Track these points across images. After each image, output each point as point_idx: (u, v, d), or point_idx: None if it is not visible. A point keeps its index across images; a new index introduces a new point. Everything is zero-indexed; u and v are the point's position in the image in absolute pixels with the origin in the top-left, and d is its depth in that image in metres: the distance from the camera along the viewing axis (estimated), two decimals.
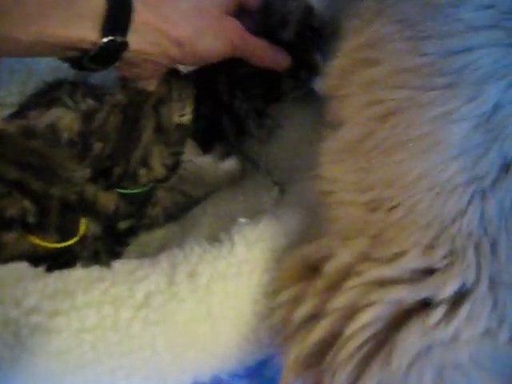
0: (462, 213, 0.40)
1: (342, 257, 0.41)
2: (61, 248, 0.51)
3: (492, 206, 0.40)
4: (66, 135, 0.49)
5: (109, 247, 0.56)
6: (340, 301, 0.40)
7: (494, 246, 0.39)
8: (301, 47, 0.60)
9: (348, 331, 0.39)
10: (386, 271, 0.40)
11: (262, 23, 0.60)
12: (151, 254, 0.50)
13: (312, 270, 0.43)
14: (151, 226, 0.59)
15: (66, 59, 0.52)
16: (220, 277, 0.45)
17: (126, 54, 0.50)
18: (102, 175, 0.52)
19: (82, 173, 0.51)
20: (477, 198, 0.40)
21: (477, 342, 0.39)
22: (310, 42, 0.59)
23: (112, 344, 0.43)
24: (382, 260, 0.41)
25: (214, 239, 0.49)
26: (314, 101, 0.57)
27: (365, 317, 0.39)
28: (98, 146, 0.51)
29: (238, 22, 0.56)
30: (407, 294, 0.39)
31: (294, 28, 0.58)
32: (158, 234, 0.59)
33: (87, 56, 0.49)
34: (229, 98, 0.61)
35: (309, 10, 0.58)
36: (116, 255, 0.56)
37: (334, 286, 0.41)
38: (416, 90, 0.43)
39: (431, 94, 0.42)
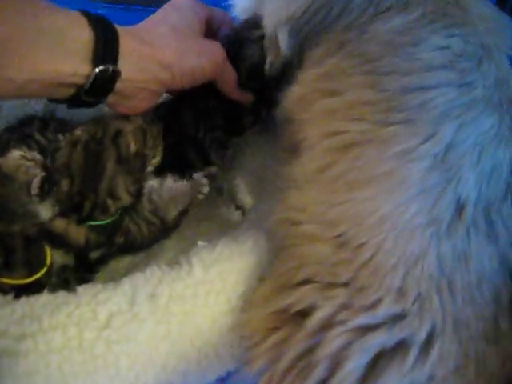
0: (424, 254, 0.42)
1: (325, 310, 0.42)
2: (29, 282, 0.52)
3: (447, 249, 0.42)
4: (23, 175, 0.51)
5: (80, 275, 0.57)
6: (325, 351, 0.41)
7: (450, 286, 0.41)
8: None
9: (334, 381, 0.41)
10: (366, 319, 0.41)
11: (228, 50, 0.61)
12: (118, 279, 0.51)
13: (291, 318, 0.44)
14: (120, 253, 0.60)
15: (60, 100, 0.52)
16: (178, 297, 0.48)
17: (119, 85, 0.51)
18: (74, 210, 0.54)
19: (50, 210, 0.52)
20: (434, 240, 0.42)
21: (450, 379, 0.40)
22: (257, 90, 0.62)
23: (77, 364, 0.45)
24: (362, 309, 0.42)
25: (176, 263, 0.51)
26: (274, 126, 0.60)
27: (349, 366, 0.40)
28: (64, 183, 0.52)
29: (219, 44, 0.57)
30: (386, 339, 0.41)
31: (245, 74, 0.61)
32: (126, 260, 0.60)
33: (83, 90, 0.49)
34: (193, 130, 0.64)
35: (260, 60, 0.60)
36: (86, 283, 0.57)
37: (317, 336, 0.42)
38: (375, 124, 0.45)
39: (390, 129, 0.44)
